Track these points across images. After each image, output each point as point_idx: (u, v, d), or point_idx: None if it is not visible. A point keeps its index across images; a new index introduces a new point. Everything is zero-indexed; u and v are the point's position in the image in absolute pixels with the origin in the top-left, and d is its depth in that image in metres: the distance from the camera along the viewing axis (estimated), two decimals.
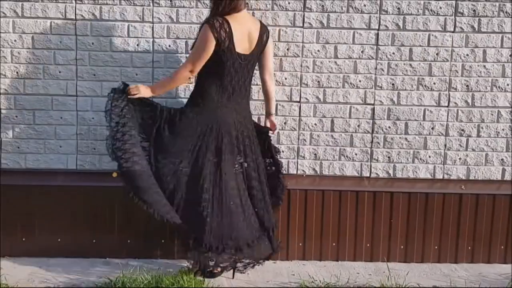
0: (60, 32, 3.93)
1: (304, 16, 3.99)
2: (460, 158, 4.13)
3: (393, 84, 4.07)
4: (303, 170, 4.11)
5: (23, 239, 3.99)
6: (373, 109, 4.08)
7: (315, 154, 4.10)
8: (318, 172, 4.11)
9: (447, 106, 4.09)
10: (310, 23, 4.00)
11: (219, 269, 3.72)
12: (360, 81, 4.05)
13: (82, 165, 4.02)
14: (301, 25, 4.00)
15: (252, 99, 3.99)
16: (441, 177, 4.14)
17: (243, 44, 3.60)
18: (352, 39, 4.02)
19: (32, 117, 3.98)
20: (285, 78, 4.04)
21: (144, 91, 3.63)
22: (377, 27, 4.02)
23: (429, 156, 4.12)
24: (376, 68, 4.05)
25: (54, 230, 3.99)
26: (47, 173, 4.01)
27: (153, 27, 3.96)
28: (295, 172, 4.10)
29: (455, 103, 4.09)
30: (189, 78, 3.65)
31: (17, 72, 3.95)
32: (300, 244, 4.11)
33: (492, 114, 4.10)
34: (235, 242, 3.64)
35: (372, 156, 4.12)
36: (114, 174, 3.63)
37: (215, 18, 3.55)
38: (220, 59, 3.57)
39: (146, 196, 3.53)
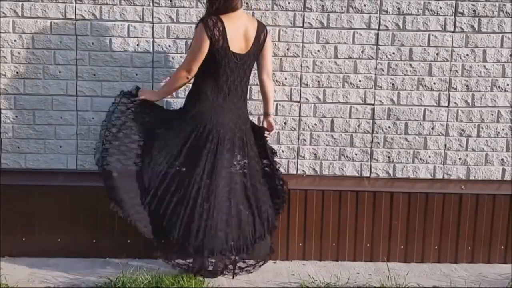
0: (60, 32, 3.93)
1: (304, 16, 3.99)
2: (460, 158, 4.13)
3: (393, 84, 4.07)
4: (303, 170, 4.11)
5: (23, 239, 3.99)
6: (373, 109, 4.08)
7: (315, 154, 4.10)
8: (318, 172, 4.11)
9: (447, 106, 4.09)
10: (310, 23, 4.00)
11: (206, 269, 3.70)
12: (360, 81, 4.05)
13: (82, 165, 4.02)
14: (301, 25, 4.00)
15: (252, 99, 3.99)
16: (441, 177, 4.14)
17: (238, 44, 3.58)
18: (352, 39, 4.02)
19: (32, 117, 3.98)
20: (285, 78, 4.04)
21: (150, 95, 3.69)
22: (377, 27, 4.02)
23: (429, 156, 4.12)
24: (376, 68, 4.05)
25: (54, 230, 3.99)
26: (47, 173, 4.01)
27: (153, 27, 3.96)
28: (295, 172, 4.10)
29: (455, 103, 4.09)
30: (187, 78, 3.62)
31: (17, 72, 3.95)
32: (300, 244, 4.10)
33: (492, 114, 4.10)
34: (224, 243, 3.60)
35: (372, 156, 4.11)
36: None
37: (209, 17, 3.54)
38: (215, 58, 3.56)
39: (117, 195, 3.58)
